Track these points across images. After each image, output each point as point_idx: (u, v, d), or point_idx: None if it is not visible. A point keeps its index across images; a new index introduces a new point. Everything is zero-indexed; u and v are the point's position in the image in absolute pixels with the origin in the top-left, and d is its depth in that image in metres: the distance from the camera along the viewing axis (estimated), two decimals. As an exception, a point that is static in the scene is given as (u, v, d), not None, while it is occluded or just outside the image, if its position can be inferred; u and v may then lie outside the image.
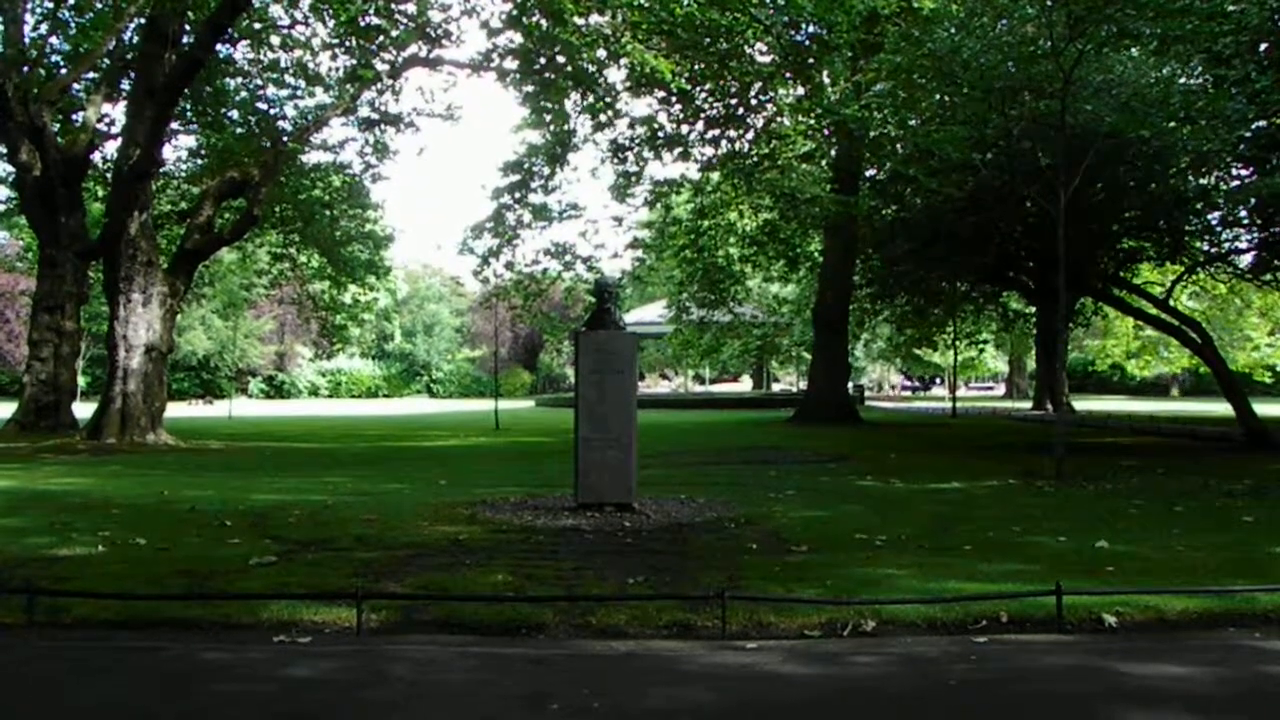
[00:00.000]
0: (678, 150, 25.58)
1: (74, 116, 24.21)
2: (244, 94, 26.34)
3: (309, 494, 11.22)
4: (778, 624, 5.50)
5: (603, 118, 24.33)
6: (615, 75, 22.86)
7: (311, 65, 25.40)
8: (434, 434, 26.90)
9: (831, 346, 30.83)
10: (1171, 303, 22.32)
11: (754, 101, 24.57)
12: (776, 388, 67.82)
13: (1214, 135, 15.23)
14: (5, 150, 22.31)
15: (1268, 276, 21.89)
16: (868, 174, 26.77)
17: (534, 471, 14.53)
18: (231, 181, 23.08)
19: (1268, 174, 17.21)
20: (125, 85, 24.18)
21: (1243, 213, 19.43)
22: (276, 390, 79.71)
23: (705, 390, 70.04)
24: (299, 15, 24.18)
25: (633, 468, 9.55)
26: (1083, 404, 45.35)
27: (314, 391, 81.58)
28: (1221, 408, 40.64)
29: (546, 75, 20.86)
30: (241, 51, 25.89)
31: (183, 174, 28.65)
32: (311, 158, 27.58)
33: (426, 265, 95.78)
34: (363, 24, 20.55)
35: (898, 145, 21.50)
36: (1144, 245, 20.90)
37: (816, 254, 32.55)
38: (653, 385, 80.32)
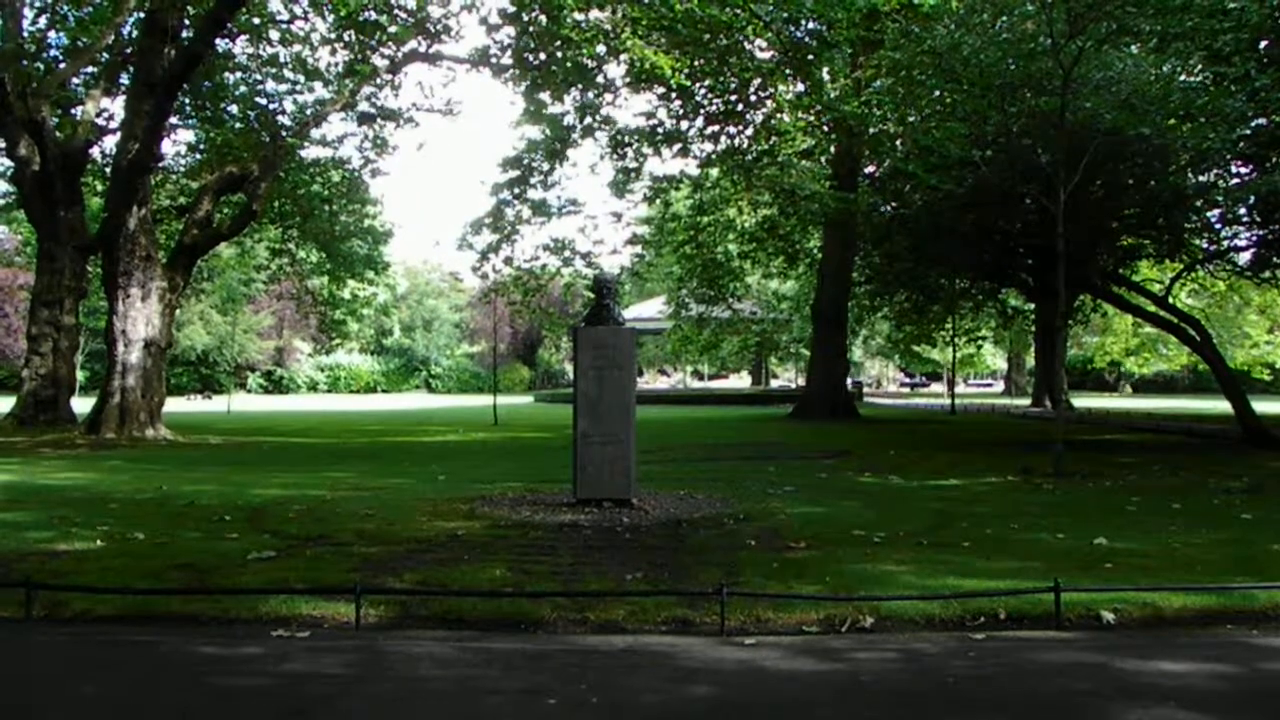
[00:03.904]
0: (677, 146, 25.54)
1: (73, 111, 24.16)
2: (243, 89, 26.31)
3: (308, 489, 11.23)
4: (776, 620, 5.51)
5: (591, 121, 24.32)
6: (615, 71, 22.86)
7: (311, 60, 25.41)
8: (433, 429, 26.90)
9: (830, 343, 30.84)
10: (1171, 300, 22.33)
11: (753, 98, 24.52)
12: (775, 384, 67.88)
13: (1213, 133, 15.23)
14: (4, 144, 22.27)
15: (1266, 274, 21.89)
16: (867, 170, 26.76)
17: (532, 467, 14.54)
18: (230, 176, 23.07)
19: (1267, 172, 17.23)
20: (124, 80, 24.13)
21: (1242, 210, 19.44)
22: (275, 385, 79.65)
23: (704, 386, 70.06)
24: (298, 10, 24.18)
25: (631, 463, 9.54)
26: (1082, 401, 45.38)
27: (313, 386, 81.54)
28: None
29: (549, 69, 20.83)
30: (241, 46, 25.89)
31: (182, 169, 28.62)
32: (310, 153, 27.59)
33: (426, 260, 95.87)
34: (362, 19, 20.53)
35: (897, 142, 21.49)
36: (1143, 242, 20.91)
37: (815, 250, 32.55)
38: (651, 381, 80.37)
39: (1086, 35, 13.36)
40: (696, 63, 21.06)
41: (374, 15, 21.18)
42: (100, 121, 24.11)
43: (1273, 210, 18.25)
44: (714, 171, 28.51)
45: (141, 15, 21.69)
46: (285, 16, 24.62)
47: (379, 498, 10.45)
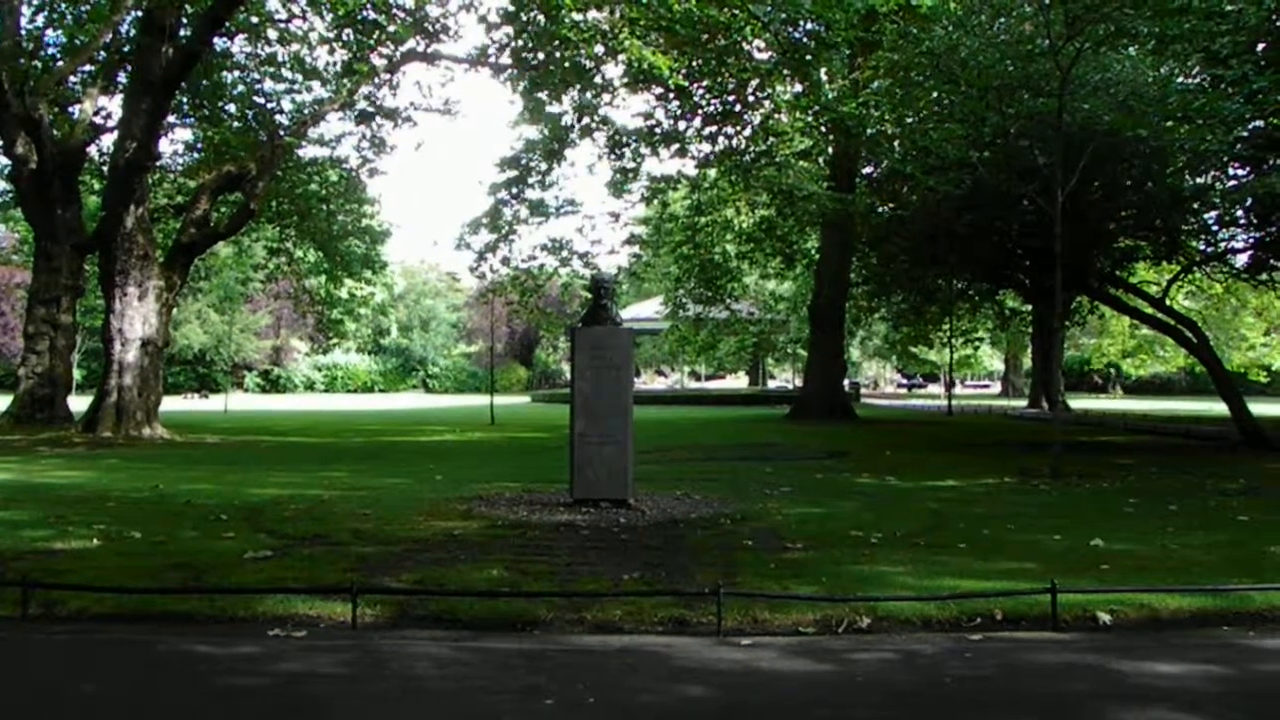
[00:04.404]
0: (675, 146, 25.56)
1: (70, 109, 24.14)
2: (241, 88, 26.28)
3: (305, 488, 11.22)
4: (773, 621, 5.51)
5: (589, 121, 24.33)
6: (613, 71, 22.86)
7: (309, 59, 25.38)
8: (430, 429, 26.88)
9: (828, 344, 30.85)
10: (1168, 302, 22.34)
11: (751, 98, 24.56)
12: (772, 385, 67.90)
13: (1211, 135, 15.25)
14: (1, 143, 22.24)
15: (1263, 276, 21.91)
16: (865, 171, 26.79)
17: (530, 467, 14.53)
18: (228, 175, 23.04)
19: (1264, 174, 17.24)
20: (122, 78, 24.12)
21: (1239, 212, 19.45)
22: (272, 384, 79.56)
23: (701, 387, 70.05)
24: (296, 9, 24.14)
25: (629, 464, 9.54)
26: (1078, 402, 45.42)
27: (310, 386, 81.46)
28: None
29: (548, 69, 20.82)
30: (239, 45, 25.88)
31: (179, 168, 28.58)
32: (308, 152, 27.56)
33: (423, 260, 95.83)
34: (360, 18, 20.52)
35: (895, 143, 21.51)
36: (1140, 244, 20.92)
37: (813, 251, 32.57)
38: (649, 382, 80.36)
39: (1084, 37, 13.37)
40: (694, 63, 21.09)
41: (372, 14, 21.17)
42: (98, 120, 24.10)
43: (1270, 212, 18.27)
44: (712, 172, 28.52)
45: (139, 14, 21.66)
46: (283, 15, 24.60)
47: (376, 497, 10.44)
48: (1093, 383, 70.30)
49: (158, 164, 24.39)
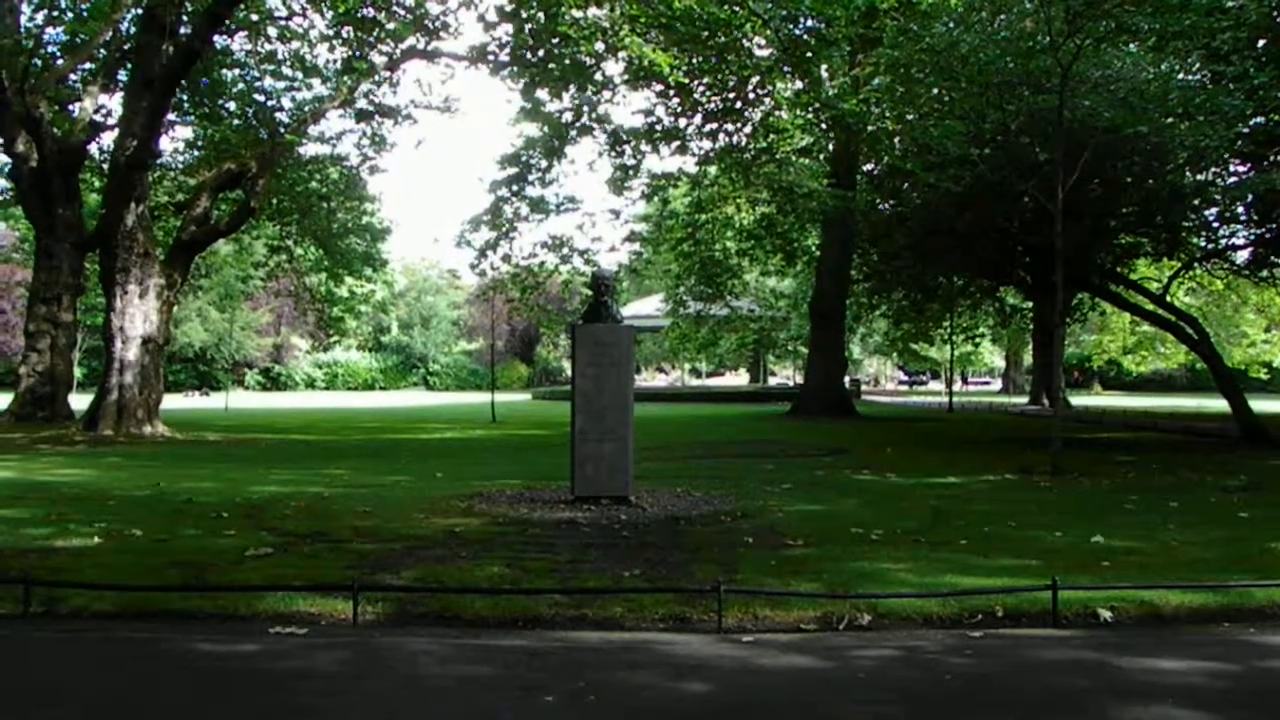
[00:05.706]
0: (675, 144, 25.50)
1: (71, 107, 24.14)
2: (241, 85, 26.27)
3: (306, 486, 11.23)
4: (774, 618, 5.51)
5: (587, 120, 24.29)
6: (613, 68, 22.83)
7: (309, 57, 25.37)
8: (430, 426, 26.89)
9: (828, 341, 30.84)
10: (1168, 298, 22.34)
11: (752, 95, 24.49)
12: (773, 382, 67.90)
13: (1212, 131, 15.24)
14: (2, 141, 22.24)
15: (1264, 273, 21.92)
16: (865, 168, 26.77)
17: (530, 464, 14.54)
18: (228, 173, 23.04)
19: (1265, 170, 17.25)
20: (122, 76, 24.11)
21: (1240, 209, 19.47)
22: (273, 382, 79.58)
23: (702, 384, 70.06)
24: (296, 7, 24.12)
25: (629, 461, 9.54)
26: (1079, 399, 45.41)
27: (310, 383, 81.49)
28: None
29: (547, 67, 20.79)
30: (239, 43, 25.87)
31: (180, 165, 28.56)
32: (309, 150, 27.51)
33: (424, 258, 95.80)
34: (360, 16, 20.50)
35: (895, 140, 21.49)
36: (1141, 241, 20.92)
37: (814, 248, 32.55)
38: (650, 379, 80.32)
39: (1085, 33, 13.36)
40: (695, 60, 21.03)
41: (372, 12, 21.15)
42: (98, 118, 24.09)
43: (1270, 209, 18.28)
44: (712, 169, 28.47)
45: (139, 11, 21.65)
46: (283, 13, 24.58)
47: (377, 495, 10.45)
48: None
49: (158, 162, 24.40)
